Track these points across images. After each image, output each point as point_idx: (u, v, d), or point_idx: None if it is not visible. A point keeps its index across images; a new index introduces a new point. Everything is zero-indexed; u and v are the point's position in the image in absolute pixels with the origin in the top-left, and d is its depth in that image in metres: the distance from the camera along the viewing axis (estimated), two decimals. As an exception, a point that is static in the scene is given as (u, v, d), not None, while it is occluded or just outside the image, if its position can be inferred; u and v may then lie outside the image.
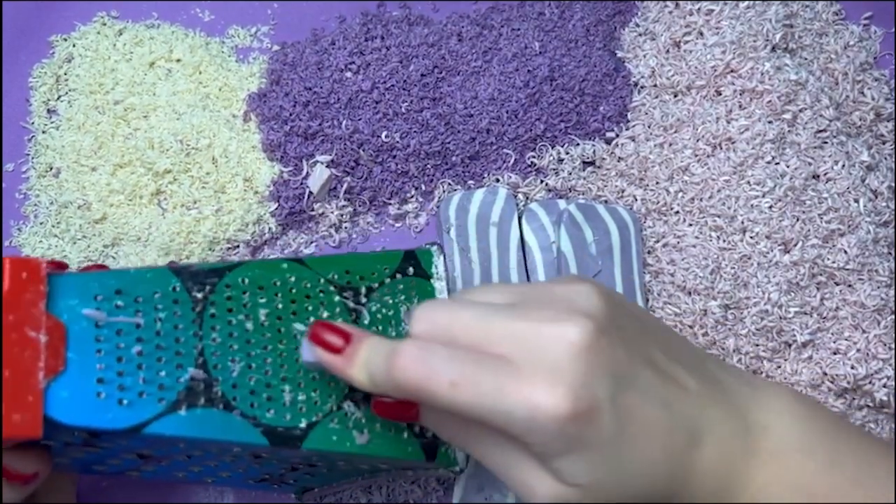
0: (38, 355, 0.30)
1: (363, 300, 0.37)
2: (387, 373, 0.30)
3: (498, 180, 0.50)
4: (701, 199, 0.48)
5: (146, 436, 0.31)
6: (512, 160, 0.50)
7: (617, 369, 0.29)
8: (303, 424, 0.34)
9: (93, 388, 0.31)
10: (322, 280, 0.36)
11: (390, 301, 0.37)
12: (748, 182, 0.47)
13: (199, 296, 0.33)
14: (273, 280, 0.35)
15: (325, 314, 0.36)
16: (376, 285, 0.37)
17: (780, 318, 0.46)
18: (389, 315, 0.37)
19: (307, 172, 0.49)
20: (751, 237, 0.47)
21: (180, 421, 0.31)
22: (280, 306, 0.35)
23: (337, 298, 0.36)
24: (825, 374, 0.46)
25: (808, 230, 0.47)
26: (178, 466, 0.36)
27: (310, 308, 0.35)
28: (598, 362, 0.29)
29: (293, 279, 0.35)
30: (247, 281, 0.34)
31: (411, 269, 0.38)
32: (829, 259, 0.47)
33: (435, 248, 0.39)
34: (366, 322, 0.36)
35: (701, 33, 0.51)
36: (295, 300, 0.35)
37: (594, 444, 0.29)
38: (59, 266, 0.34)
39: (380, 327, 0.37)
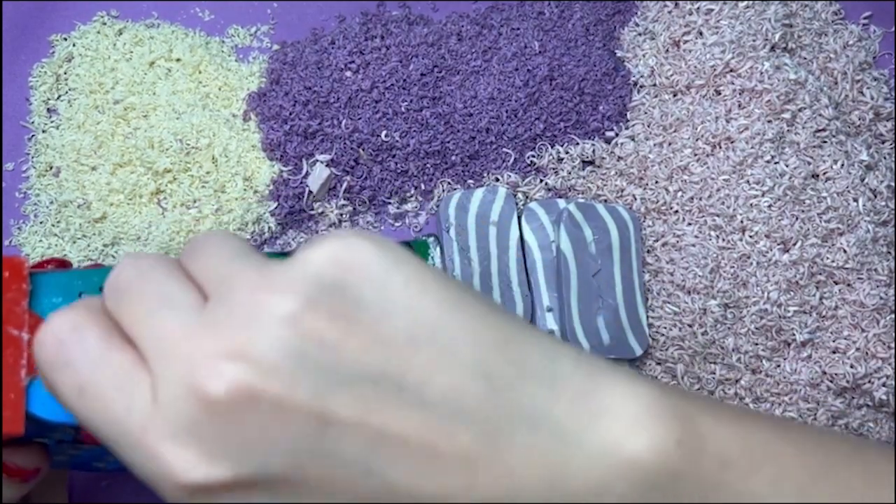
0: (20, 353, 0.30)
1: None
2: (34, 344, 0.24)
3: (497, 180, 0.50)
4: (700, 199, 0.48)
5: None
6: (511, 159, 0.50)
7: (288, 436, 0.21)
8: None
9: None
10: None
11: None
12: (747, 181, 0.47)
13: None
14: None
15: None
16: None
17: (780, 317, 0.46)
18: None
19: (307, 172, 0.49)
20: (750, 236, 0.47)
21: None
22: None
23: None
24: (824, 373, 0.46)
25: (808, 229, 0.47)
26: None
27: None
28: (252, 430, 0.21)
29: None
30: None
31: None
32: (828, 258, 0.47)
33: (431, 239, 0.39)
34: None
35: (700, 33, 0.51)
36: None
37: None
38: (62, 264, 0.34)
39: None
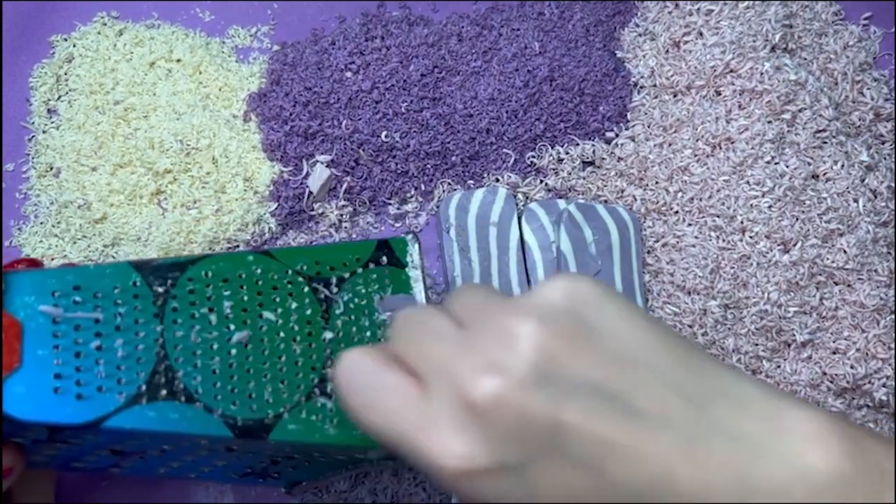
0: None
1: (335, 290, 0.37)
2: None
3: (498, 180, 0.50)
4: (700, 199, 0.48)
5: (107, 430, 0.31)
6: (512, 160, 0.50)
7: (529, 433, 0.27)
8: (269, 416, 0.34)
9: (49, 384, 0.31)
10: (290, 271, 0.36)
11: (363, 290, 0.38)
12: (748, 182, 0.47)
13: (161, 290, 0.34)
14: (238, 272, 0.35)
15: (294, 305, 0.36)
16: (348, 275, 0.37)
17: (780, 317, 0.46)
18: (363, 305, 0.37)
19: (307, 172, 0.49)
20: (750, 237, 0.47)
21: (141, 414, 0.32)
22: (245, 298, 0.35)
23: (306, 289, 0.36)
24: (824, 373, 0.46)
25: (808, 230, 0.47)
26: (157, 462, 0.37)
27: (277, 299, 0.36)
28: (501, 427, 0.27)
29: (259, 271, 0.36)
30: (210, 274, 0.35)
31: (385, 259, 0.39)
32: (828, 259, 0.47)
33: (409, 236, 0.39)
34: (338, 312, 0.37)
35: (700, 33, 0.51)
36: (261, 292, 0.36)
37: (499, 500, 0.28)
38: (33, 264, 0.35)
39: (353, 317, 0.37)
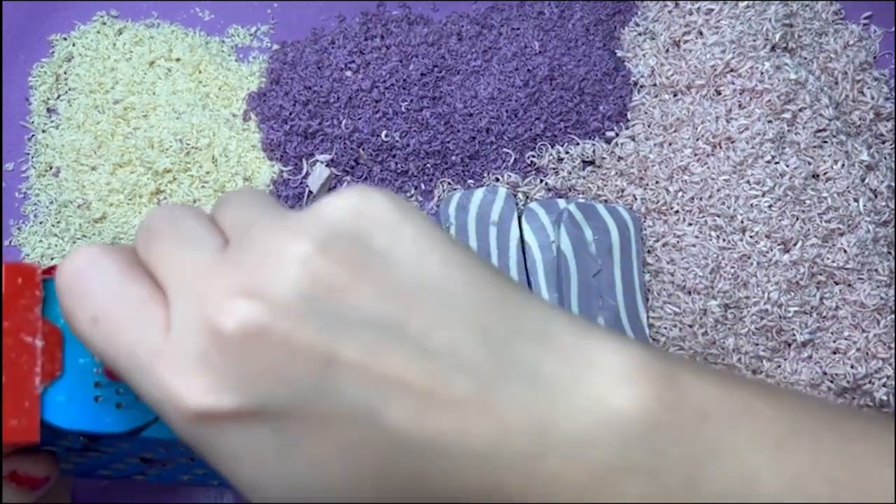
0: (34, 360, 0.30)
1: None
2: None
3: (497, 179, 0.50)
4: (700, 199, 0.48)
5: (146, 439, 0.31)
6: (512, 159, 0.50)
7: (293, 372, 0.22)
8: None
9: (90, 392, 0.31)
10: None
11: None
12: (748, 181, 0.47)
13: None
14: None
15: None
16: None
17: (780, 317, 0.46)
18: None
19: (307, 172, 0.49)
20: (750, 236, 0.47)
21: None
22: None
23: None
24: (825, 373, 0.46)
25: (808, 229, 0.47)
26: (183, 469, 0.36)
27: None
28: (259, 363, 0.22)
29: None
30: None
31: None
32: (828, 258, 0.47)
33: None
34: None
35: (700, 33, 0.51)
36: None
37: (249, 457, 0.23)
38: None
39: None
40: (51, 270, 0.33)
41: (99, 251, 0.25)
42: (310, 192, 0.49)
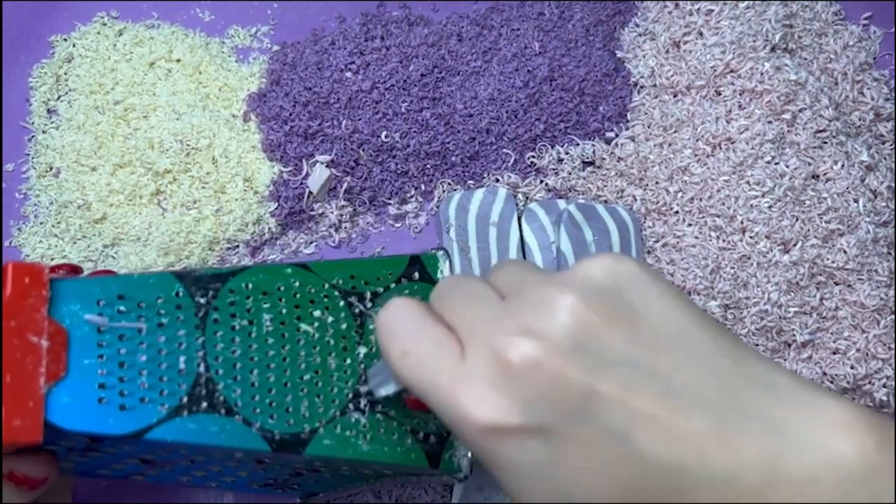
0: (39, 360, 0.30)
1: (368, 305, 0.37)
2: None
3: (498, 180, 0.50)
4: (700, 199, 0.48)
5: (148, 441, 0.31)
6: (512, 160, 0.50)
7: (563, 397, 0.27)
8: (305, 430, 0.34)
9: (94, 394, 0.31)
10: (327, 285, 0.36)
11: None
12: (748, 182, 0.47)
13: (203, 301, 0.33)
14: (277, 285, 0.35)
15: (330, 319, 0.36)
16: (382, 290, 0.37)
17: (780, 317, 0.46)
18: None
19: (307, 172, 0.49)
20: (750, 237, 0.47)
21: (182, 426, 0.31)
22: (284, 311, 0.35)
23: (342, 303, 0.36)
24: (825, 373, 0.46)
25: (808, 230, 0.47)
26: (182, 471, 0.36)
27: (314, 313, 0.35)
28: (535, 389, 0.27)
29: (297, 284, 0.35)
30: (250, 286, 0.34)
31: (417, 275, 0.38)
32: (828, 259, 0.47)
33: (441, 252, 0.39)
34: (372, 327, 0.36)
35: (700, 33, 0.51)
36: (299, 305, 0.35)
37: (525, 468, 0.28)
38: (74, 270, 0.34)
39: None
40: (53, 270, 0.33)
41: (408, 300, 0.31)
42: (310, 192, 0.49)
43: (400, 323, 0.30)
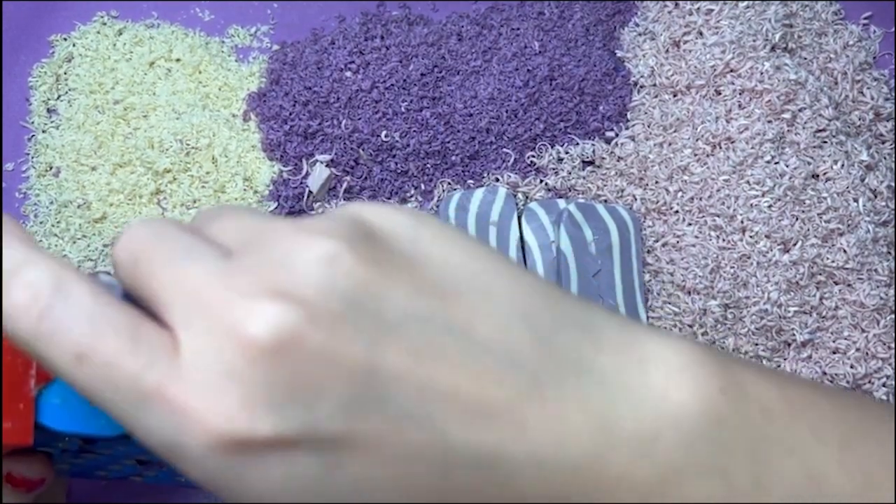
0: (29, 363, 0.30)
1: None
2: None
3: (497, 180, 0.50)
4: (700, 199, 0.48)
5: (140, 441, 0.31)
6: (511, 160, 0.50)
7: (337, 382, 0.19)
8: None
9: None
10: None
11: None
12: (747, 181, 0.47)
13: None
14: None
15: None
16: None
17: (780, 317, 0.46)
18: None
19: (307, 172, 0.49)
20: (750, 236, 0.47)
21: None
22: None
23: None
24: (825, 373, 0.46)
25: (808, 230, 0.47)
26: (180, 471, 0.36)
27: None
28: (298, 375, 0.19)
29: None
30: None
31: None
32: (828, 258, 0.47)
33: None
34: None
35: (700, 33, 0.51)
36: None
37: (282, 487, 0.20)
38: None
39: None
40: None
41: (60, 272, 0.21)
42: (310, 192, 0.49)
43: (64, 316, 0.20)
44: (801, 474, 0.21)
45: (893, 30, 0.54)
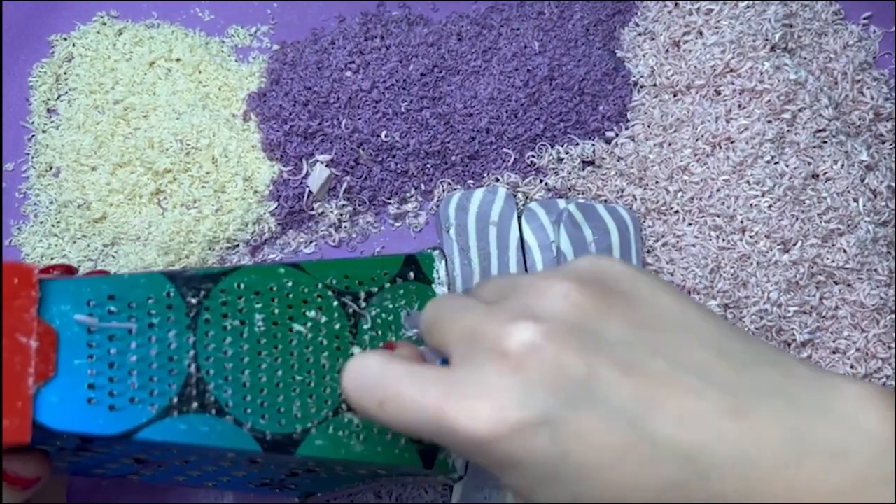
0: (28, 361, 0.29)
1: (363, 305, 0.37)
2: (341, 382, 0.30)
3: (497, 180, 0.50)
4: (700, 199, 0.48)
5: (138, 441, 0.31)
6: (511, 160, 0.50)
7: (564, 382, 0.25)
8: (297, 430, 0.33)
9: (83, 394, 0.31)
10: (320, 285, 0.36)
11: (391, 306, 0.37)
12: (747, 181, 0.47)
13: (194, 301, 0.33)
14: (270, 285, 0.35)
15: (324, 319, 0.35)
16: (376, 290, 0.37)
17: (780, 317, 0.46)
18: (390, 320, 0.37)
19: (307, 172, 0.49)
20: (750, 236, 0.47)
21: (172, 426, 0.31)
22: (276, 311, 0.35)
23: (335, 303, 0.36)
24: (824, 373, 0.46)
25: (808, 229, 0.47)
26: (177, 471, 0.36)
27: (308, 313, 0.35)
28: (535, 376, 0.25)
29: (290, 284, 0.35)
30: (243, 286, 0.34)
31: (412, 274, 0.38)
32: (828, 258, 0.47)
33: (436, 252, 0.39)
34: (366, 327, 0.36)
35: (700, 33, 0.51)
36: (292, 305, 0.35)
37: (531, 468, 0.26)
38: (68, 270, 0.34)
39: (380, 332, 0.37)
40: (48, 270, 0.33)
41: (372, 354, 0.29)
42: (310, 192, 0.49)
43: (363, 377, 0.29)
44: None
45: (893, 30, 0.54)
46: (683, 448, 0.24)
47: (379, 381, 0.28)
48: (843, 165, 0.48)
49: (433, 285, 0.39)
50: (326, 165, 0.49)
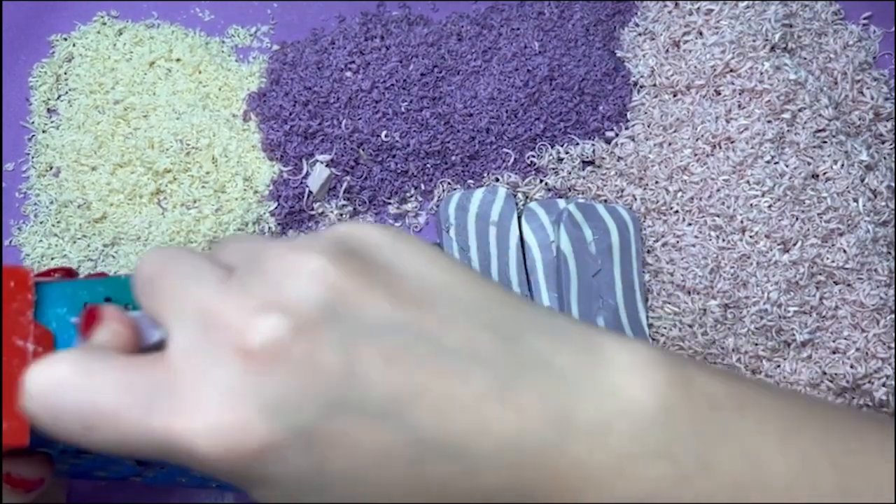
0: (25, 364, 0.30)
1: None
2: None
3: (497, 180, 0.50)
4: (700, 199, 0.48)
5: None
6: (511, 160, 0.50)
7: (318, 384, 0.22)
8: None
9: None
10: None
11: None
12: (747, 181, 0.47)
13: None
14: None
15: None
16: None
17: (780, 317, 0.46)
18: None
19: (307, 172, 0.49)
20: (750, 236, 0.47)
21: None
22: None
23: None
24: (824, 373, 0.46)
25: (808, 229, 0.47)
26: (179, 472, 0.36)
27: None
28: (284, 379, 0.22)
29: None
30: None
31: None
32: (828, 258, 0.47)
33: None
34: None
35: (700, 33, 0.51)
36: None
37: (284, 485, 0.22)
38: (69, 273, 0.34)
39: None
40: (48, 273, 0.33)
41: (49, 367, 0.24)
42: (310, 192, 0.49)
43: (54, 396, 0.24)
44: (742, 458, 0.23)
45: (893, 30, 0.54)
46: (448, 441, 0.22)
47: (79, 400, 0.23)
48: (843, 165, 0.48)
49: None
50: (326, 165, 0.49)
